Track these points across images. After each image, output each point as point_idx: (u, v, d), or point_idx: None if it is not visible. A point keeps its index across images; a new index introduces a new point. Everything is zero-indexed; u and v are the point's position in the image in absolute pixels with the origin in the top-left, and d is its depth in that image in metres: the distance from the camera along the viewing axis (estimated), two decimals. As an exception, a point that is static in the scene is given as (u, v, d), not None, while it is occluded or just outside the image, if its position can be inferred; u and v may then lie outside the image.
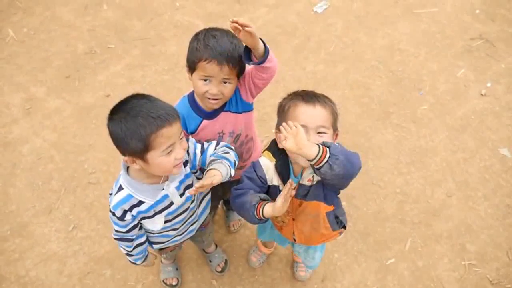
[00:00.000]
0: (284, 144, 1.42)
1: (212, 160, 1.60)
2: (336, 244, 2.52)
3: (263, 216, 1.55)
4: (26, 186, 2.75)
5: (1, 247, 2.50)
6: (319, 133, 1.53)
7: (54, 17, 3.83)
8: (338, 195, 1.77)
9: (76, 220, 2.60)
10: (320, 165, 1.40)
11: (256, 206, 1.55)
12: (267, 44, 1.57)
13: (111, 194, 1.60)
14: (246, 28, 1.44)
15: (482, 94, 3.29)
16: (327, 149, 1.41)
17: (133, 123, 1.36)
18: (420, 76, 3.42)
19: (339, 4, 4.00)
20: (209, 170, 1.54)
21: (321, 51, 3.59)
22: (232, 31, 1.51)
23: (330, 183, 1.51)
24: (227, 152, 1.64)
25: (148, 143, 1.37)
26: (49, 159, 2.88)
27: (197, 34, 1.65)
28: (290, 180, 1.49)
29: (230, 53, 1.58)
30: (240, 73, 1.67)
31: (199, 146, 1.66)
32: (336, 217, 1.79)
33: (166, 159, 1.42)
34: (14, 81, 3.34)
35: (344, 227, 1.86)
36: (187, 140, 1.64)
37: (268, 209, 1.53)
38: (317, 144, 1.43)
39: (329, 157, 1.40)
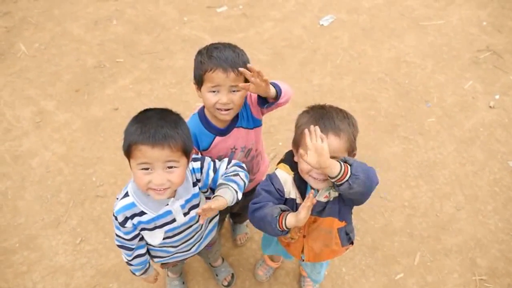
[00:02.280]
0: (305, 158, 1.39)
1: (220, 184, 1.59)
2: (343, 258, 2.49)
3: (286, 227, 1.53)
4: (35, 199, 2.78)
5: (9, 260, 2.51)
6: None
7: (64, 32, 3.91)
8: (351, 211, 1.76)
9: (83, 233, 2.62)
10: (340, 183, 1.41)
11: (277, 218, 1.53)
12: (277, 83, 1.63)
13: (117, 198, 1.60)
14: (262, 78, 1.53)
15: (490, 106, 3.27)
16: (349, 167, 1.40)
17: (130, 127, 1.42)
18: (427, 88, 3.41)
19: (345, 17, 4.03)
20: (214, 196, 1.54)
21: (328, 64, 3.61)
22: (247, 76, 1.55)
23: (347, 198, 1.52)
24: (237, 174, 1.62)
25: (129, 151, 1.41)
26: (57, 172, 2.91)
27: (200, 50, 1.69)
28: (312, 191, 1.48)
29: (234, 60, 1.60)
30: (247, 81, 1.67)
31: (212, 165, 1.65)
32: (347, 233, 1.78)
33: (141, 175, 1.42)
34: (24, 95, 3.40)
35: (352, 243, 1.85)
36: (203, 160, 1.64)
37: (291, 219, 1.51)
38: (338, 161, 1.41)
39: (349, 176, 1.39)
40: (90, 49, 3.76)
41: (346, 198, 1.55)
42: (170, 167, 1.42)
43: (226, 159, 1.69)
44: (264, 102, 1.69)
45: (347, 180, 1.39)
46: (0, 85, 3.48)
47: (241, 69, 1.55)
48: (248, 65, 1.54)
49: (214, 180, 1.65)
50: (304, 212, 1.46)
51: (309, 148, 1.39)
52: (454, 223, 2.65)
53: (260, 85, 1.55)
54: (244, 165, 1.71)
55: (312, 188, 1.63)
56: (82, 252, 2.54)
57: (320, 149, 1.38)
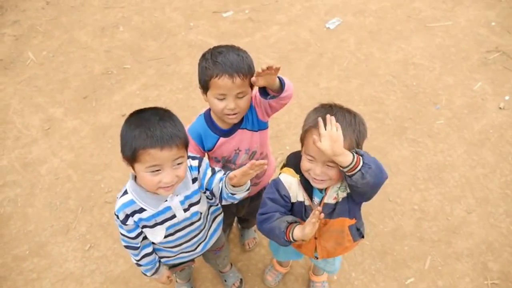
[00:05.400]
0: (319, 144, 1.39)
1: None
2: (353, 263, 2.47)
3: (293, 239, 1.56)
4: (44, 206, 2.80)
5: (19, 267, 2.53)
6: (327, 165, 1.51)
7: (72, 40, 3.95)
8: (360, 208, 1.75)
9: (92, 240, 2.63)
10: (353, 173, 1.40)
11: (285, 231, 1.56)
12: (280, 76, 1.61)
13: (117, 197, 1.61)
14: (274, 68, 1.49)
15: (500, 108, 3.23)
16: (360, 157, 1.41)
17: (131, 132, 1.41)
18: (435, 90, 3.38)
19: (351, 20, 4.02)
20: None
21: (335, 67, 3.59)
22: (255, 77, 1.55)
23: (358, 191, 1.49)
24: None
25: (135, 156, 1.40)
26: (66, 178, 2.93)
27: (204, 55, 1.68)
28: (318, 208, 1.47)
29: (239, 64, 1.60)
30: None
31: (210, 167, 1.67)
32: (357, 229, 1.78)
33: (150, 176, 1.43)
34: (33, 102, 3.44)
35: (363, 236, 1.84)
36: (201, 159, 1.66)
37: (298, 233, 1.54)
38: (351, 152, 1.41)
39: (362, 165, 1.39)
40: (98, 56, 3.79)
41: (356, 193, 1.53)
42: (178, 164, 1.46)
43: (223, 171, 1.70)
44: (266, 94, 1.65)
45: (359, 170, 1.39)
46: (9, 93, 3.52)
47: (253, 79, 1.56)
48: (257, 71, 1.51)
49: (210, 181, 1.65)
50: (309, 228, 1.46)
51: (323, 135, 1.39)
52: (465, 226, 2.62)
53: (272, 76, 1.54)
54: None
55: (319, 191, 1.63)
56: (91, 258, 2.55)
57: (335, 136, 1.38)
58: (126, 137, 1.43)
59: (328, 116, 1.44)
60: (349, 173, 1.42)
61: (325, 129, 1.41)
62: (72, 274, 2.49)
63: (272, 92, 1.63)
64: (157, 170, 1.42)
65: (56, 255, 2.57)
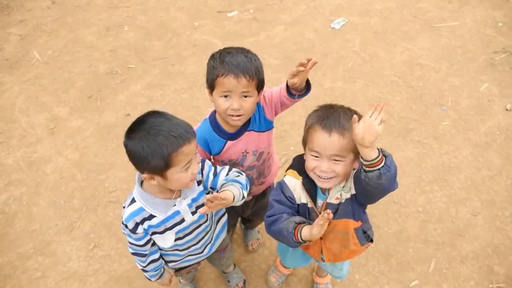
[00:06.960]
0: (356, 125, 1.35)
1: (225, 183, 1.62)
2: (356, 265, 2.46)
3: (301, 239, 1.56)
4: (49, 205, 2.81)
5: (24, 266, 2.54)
6: (333, 160, 1.51)
7: (77, 39, 3.96)
8: (365, 211, 1.74)
9: (96, 239, 2.63)
10: (372, 169, 1.38)
11: (293, 232, 1.56)
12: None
13: (124, 207, 1.61)
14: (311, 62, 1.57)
15: (507, 109, 3.20)
16: (384, 158, 1.38)
17: (154, 142, 1.38)
18: (441, 91, 3.36)
19: (356, 20, 4.00)
20: (222, 190, 1.56)
21: (339, 68, 3.58)
22: (297, 70, 1.59)
23: (367, 191, 1.46)
24: (238, 176, 1.66)
25: (169, 161, 1.40)
26: (71, 178, 2.94)
27: (213, 55, 1.69)
28: (328, 210, 1.45)
29: (246, 66, 1.60)
30: (259, 86, 1.68)
31: (213, 168, 1.67)
32: (364, 232, 1.76)
33: (184, 174, 1.46)
34: (39, 101, 3.45)
35: (371, 240, 1.82)
36: (203, 161, 1.66)
37: (306, 233, 1.53)
38: (378, 148, 1.38)
39: (382, 166, 1.37)
40: (102, 56, 3.80)
41: (363, 193, 1.51)
42: (196, 153, 1.51)
43: (226, 167, 1.70)
44: (291, 93, 1.69)
45: (379, 169, 1.37)
46: (15, 92, 3.54)
47: (291, 78, 1.61)
48: (303, 61, 1.57)
49: (214, 183, 1.66)
50: (316, 229, 1.47)
51: (365, 121, 1.35)
52: (470, 229, 2.60)
53: (306, 73, 1.61)
54: (243, 173, 1.72)
55: (322, 193, 1.62)
56: (95, 258, 2.56)
57: (374, 127, 1.34)
58: (149, 151, 1.38)
59: (381, 103, 1.38)
60: (368, 169, 1.39)
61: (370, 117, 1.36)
62: (76, 273, 2.50)
63: (297, 92, 1.67)
64: (188, 164, 1.46)
65: (60, 254, 2.58)
